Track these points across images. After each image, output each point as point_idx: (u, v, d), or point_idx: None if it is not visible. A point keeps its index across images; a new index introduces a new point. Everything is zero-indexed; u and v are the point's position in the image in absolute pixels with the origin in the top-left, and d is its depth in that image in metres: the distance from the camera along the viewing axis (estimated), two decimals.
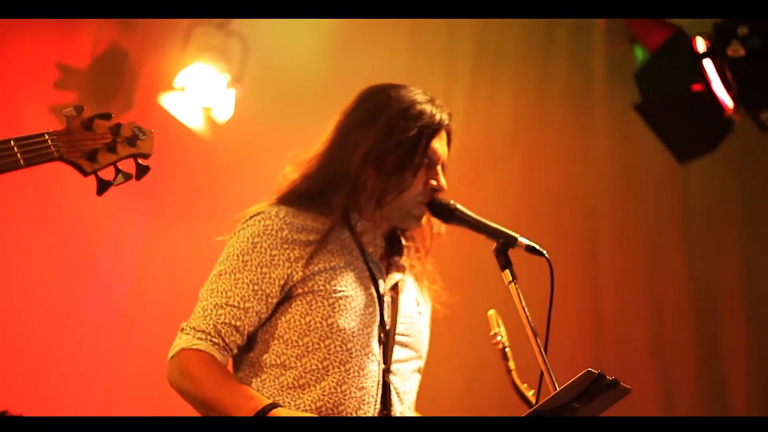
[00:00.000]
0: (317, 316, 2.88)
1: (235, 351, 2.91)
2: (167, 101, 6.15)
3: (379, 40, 6.54)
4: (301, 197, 3.03)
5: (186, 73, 6.13)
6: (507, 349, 3.59)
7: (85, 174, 2.35)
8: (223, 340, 2.85)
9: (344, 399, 2.85)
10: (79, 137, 2.36)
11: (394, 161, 3.01)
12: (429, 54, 6.60)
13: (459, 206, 2.99)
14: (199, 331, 2.85)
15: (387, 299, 3.03)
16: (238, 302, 2.86)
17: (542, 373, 2.71)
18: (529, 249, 2.83)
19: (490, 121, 6.51)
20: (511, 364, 3.58)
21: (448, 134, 3.20)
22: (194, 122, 6.17)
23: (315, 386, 2.85)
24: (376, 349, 2.94)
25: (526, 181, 6.38)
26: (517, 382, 3.60)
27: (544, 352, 2.71)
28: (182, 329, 2.90)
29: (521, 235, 2.86)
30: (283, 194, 3.07)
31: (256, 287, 2.87)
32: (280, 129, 6.18)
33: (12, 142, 2.25)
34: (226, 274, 2.91)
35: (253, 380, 2.92)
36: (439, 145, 3.10)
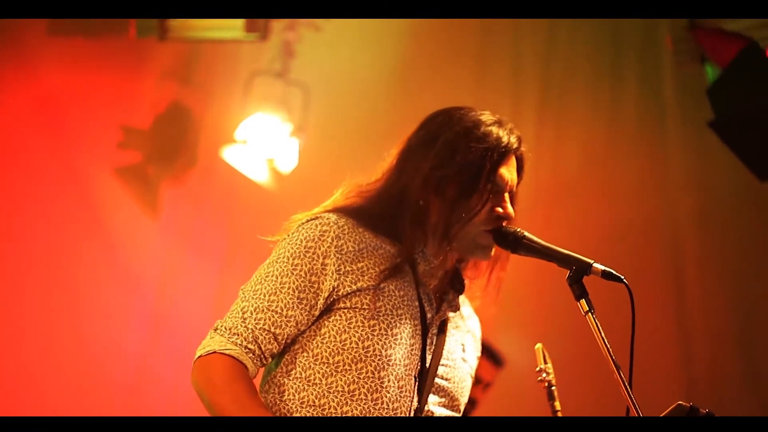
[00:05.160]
0: (354, 336, 2.67)
1: (270, 360, 2.71)
2: (230, 154, 6.12)
3: (441, 75, 6.47)
4: (360, 213, 2.82)
5: (247, 124, 6.09)
6: (553, 388, 3.25)
7: None
8: (260, 348, 2.65)
9: None
10: None
11: (457, 187, 2.81)
12: (495, 85, 6.52)
13: (527, 233, 2.80)
14: (235, 333, 2.65)
15: (432, 335, 2.82)
16: (281, 309, 2.66)
17: (628, 409, 2.52)
18: (606, 275, 2.62)
19: (560, 150, 6.41)
20: (557, 405, 3.26)
21: (519, 160, 2.99)
22: (258, 174, 6.12)
23: (336, 410, 2.65)
24: (411, 385, 2.73)
25: (602, 211, 6.26)
26: None
27: (628, 386, 2.52)
28: (216, 328, 2.69)
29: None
30: (341, 206, 2.89)
31: (302, 295, 2.67)
32: (345, 176, 6.10)
33: None
34: (272, 276, 2.69)
35: (275, 390, 2.71)
36: (506, 170, 2.90)
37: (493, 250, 2.87)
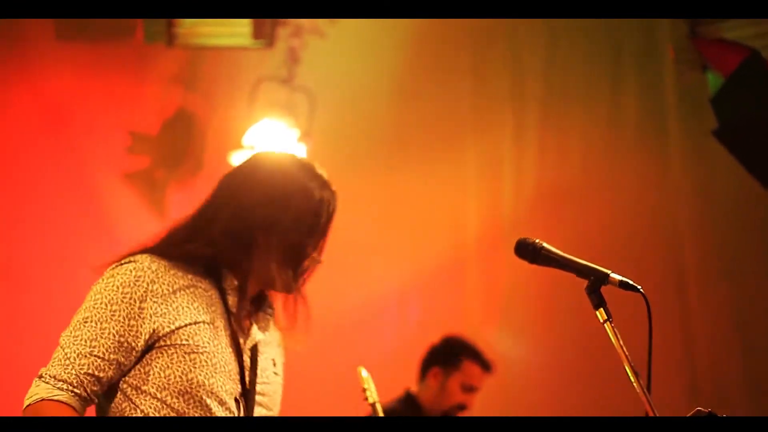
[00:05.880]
0: (177, 371, 2.80)
1: (96, 401, 2.82)
2: (238, 160, 6.14)
3: (442, 81, 6.53)
4: (172, 248, 2.91)
5: (254, 130, 6.12)
6: (378, 405, 3.58)
7: None
8: (85, 390, 2.76)
9: None
10: None
11: (295, 241, 2.94)
12: (495, 93, 6.58)
13: (545, 245, 2.86)
14: (60, 380, 2.75)
15: (246, 359, 2.96)
16: (103, 353, 2.76)
17: (647, 414, 2.58)
18: (623, 285, 2.69)
19: (562, 157, 6.46)
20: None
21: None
22: None
23: None
24: (234, 406, 2.88)
25: (604, 217, 6.30)
26: None
27: (647, 392, 2.58)
28: (41, 376, 2.78)
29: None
30: (156, 243, 2.94)
31: (122, 339, 2.77)
32: (351, 181, 6.14)
33: None
34: (92, 322, 2.78)
35: None
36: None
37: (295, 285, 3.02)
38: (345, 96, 6.43)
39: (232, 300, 2.94)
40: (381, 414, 3.58)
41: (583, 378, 6.13)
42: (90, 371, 2.75)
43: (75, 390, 2.74)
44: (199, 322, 2.84)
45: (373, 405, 3.59)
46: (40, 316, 5.85)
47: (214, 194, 3.01)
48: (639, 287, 2.68)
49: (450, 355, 5.26)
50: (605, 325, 2.66)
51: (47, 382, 2.75)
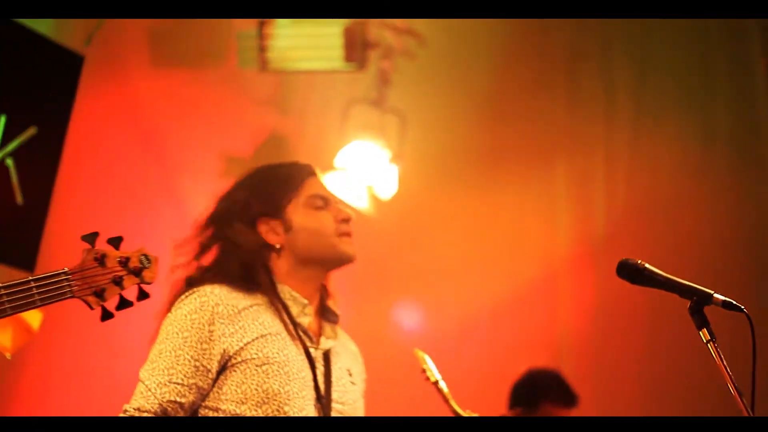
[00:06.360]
0: (252, 384, 2.88)
1: None
2: (330, 181, 6.20)
3: (534, 100, 6.54)
4: (226, 276, 3.04)
5: (346, 151, 6.19)
6: (441, 383, 3.53)
7: (92, 308, 2.61)
8: None
9: None
10: (91, 273, 2.60)
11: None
12: (587, 109, 6.56)
13: (647, 265, 2.87)
14: (143, 411, 2.84)
15: (319, 366, 3.02)
16: (182, 379, 2.86)
17: None
18: (726, 305, 2.69)
19: (654, 174, 6.44)
20: (455, 405, 3.55)
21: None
22: (358, 201, 6.21)
23: None
24: (313, 413, 2.93)
25: (697, 232, 6.26)
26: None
27: (752, 413, 2.58)
28: (125, 411, 2.88)
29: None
30: (207, 276, 3.06)
31: (197, 363, 2.87)
32: (442, 201, 6.21)
33: (31, 282, 2.47)
34: (166, 352, 2.90)
35: None
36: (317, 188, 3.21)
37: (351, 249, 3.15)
38: (436, 117, 6.48)
39: (296, 311, 3.04)
40: (446, 390, 3.55)
41: (677, 395, 6.08)
42: (172, 398, 2.86)
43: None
44: (266, 335, 2.94)
45: (435, 384, 3.55)
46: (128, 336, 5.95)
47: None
48: (742, 307, 2.68)
49: (529, 396, 5.21)
50: (708, 345, 2.67)
51: (132, 415, 2.86)
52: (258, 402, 2.88)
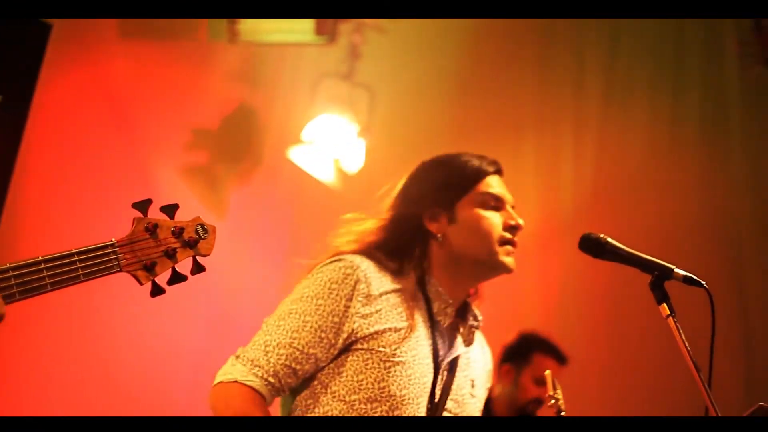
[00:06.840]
0: (371, 377, 2.79)
1: (287, 392, 2.82)
2: (296, 155, 6.19)
3: (503, 76, 6.52)
4: (378, 253, 2.95)
5: (314, 125, 6.16)
6: (563, 413, 3.50)
7: (141, 283, 2.39)
8: (279, 381, 2.76)
9: None
10: (141, 246, 2.39)
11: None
12: (556, 88, 6.56)
13: (610, 239, 2.87)
14: (257, 365, 2.76)
15: (443, 373, 2.93)
16: (303, 346, 2.76)
17: (707, 410, 2.59)
18: (687, 280, 2.70)
19: (623, 152, 6.45)
20: None
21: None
22: (325, 174, 6.19)
23: None
24: None
25: (664, 212, 6.28)
26: None
27: (708, 387, 2.59)
28: (237, 356, 2.80)
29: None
30: (365, 246, 2.99)
31: (322, 335, 2.78)
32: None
33: (75, 255, 2.26)
34: (296, 314, 2.80)
35: None
36: (495, 188, 3.11)
37: (510, 260, 3.06)
38: (405, 91, 6.45)
39: (437, 307, 2.96)
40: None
41: (641, 373, 6.11)
42: (288, 363, 2.76)
43: (269, 379, 2.75)
44: (400, 329, 2.83)
45: (557, 413, 3.51)
46: (95, 308, 5.91)
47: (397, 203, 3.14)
48: (703, 283, 2.69)
49: (521, 350, 5.24)
50: (668, 320, 2.68)
51: (244, 365, 2.76)
52: (371, 398, 2.78)
